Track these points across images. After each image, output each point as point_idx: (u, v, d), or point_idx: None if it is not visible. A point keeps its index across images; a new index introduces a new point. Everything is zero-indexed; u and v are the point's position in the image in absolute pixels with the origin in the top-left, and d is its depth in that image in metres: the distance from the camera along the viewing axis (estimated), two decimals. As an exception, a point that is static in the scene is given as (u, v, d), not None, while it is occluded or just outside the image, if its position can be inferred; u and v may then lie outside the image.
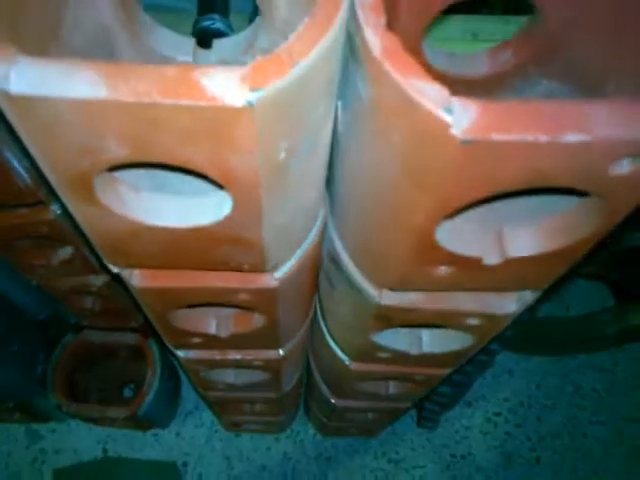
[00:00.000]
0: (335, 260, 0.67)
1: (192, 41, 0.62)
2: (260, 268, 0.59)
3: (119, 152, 0.40)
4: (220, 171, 0.42)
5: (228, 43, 0.62)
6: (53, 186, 0.46)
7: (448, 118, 0.35)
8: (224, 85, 0.35)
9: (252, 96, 0.35)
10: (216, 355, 0.91)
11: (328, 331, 0.92)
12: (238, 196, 0.45)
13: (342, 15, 0.39)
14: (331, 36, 0.38)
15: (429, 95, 0.36)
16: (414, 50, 0.55)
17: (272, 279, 0.62)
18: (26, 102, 0.36)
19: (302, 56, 0.36)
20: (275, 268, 0.62)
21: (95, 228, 0.52)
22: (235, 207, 0.47)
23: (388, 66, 0.37)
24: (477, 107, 0.35)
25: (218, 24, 0.76)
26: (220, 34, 0.76)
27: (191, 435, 1.77)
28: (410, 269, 0.54)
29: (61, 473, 1.66)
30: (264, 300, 0.67)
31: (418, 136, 0.38)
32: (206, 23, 0.76)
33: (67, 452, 1.72)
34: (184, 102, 0.35)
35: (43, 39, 0.48)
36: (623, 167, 0.38)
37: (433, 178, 0.40)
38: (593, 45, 0.53)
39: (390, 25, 0.49)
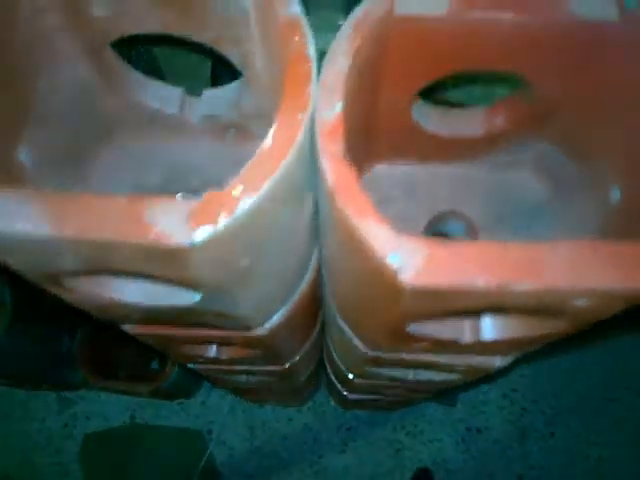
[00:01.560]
0: (328, 307, 0.68)
1: (179, 92, 0.60)
2: (247, 328, 0.60)
3: (77, 267, 0.41)
4: (179, 281, 0.42)
5: (217, 95, 0.60)
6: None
7: (395, 265, 0.34)
8: (169, 224, 0.35)
9: (198, 235, 0.35)
10: (223, 367, 0.93)
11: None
12: (205, 293, 0.46)
13: (300, 139, 0.37)
14: (287, 165, 0.37)
15: (378, 239, 0.35)
16: (402, 113, 0.53)
17: (262, 329, 0.63)
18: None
19: (253, 192, 0.36)
20: (264, 321, 0.62)
21: (76, 301, 0.53)
22: (204, 298, 0.47)
23: (340, 202, 0.36)
24: (425, 252, 0.34)
25: None
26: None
27: (216, 404, 1.83)
28: (390, 345, 0.54)
29: (91, 438, 1.74)
30: (257, 342, 0.68)
31: (371, 271, 0.37)
32: None
33: (97, 418, 1.80)
34: (130, 240, 0.35)
35: (12, 125, 0.48)
36: (577, 302, 0.37)
37: (391, 302, 0.39)
38: (578, 116, 0.50)
39: (373, 100, 0.47)
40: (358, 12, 0.40)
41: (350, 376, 0.93)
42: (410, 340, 0.50)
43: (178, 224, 0.35)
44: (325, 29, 0.52)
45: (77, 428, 1.79)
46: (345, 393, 1.27)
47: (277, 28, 0.40)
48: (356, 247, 0.36)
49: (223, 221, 0.35)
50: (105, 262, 0.39)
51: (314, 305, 0.79)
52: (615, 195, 0.49)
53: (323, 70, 0.38)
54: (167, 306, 0.50)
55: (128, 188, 0.61)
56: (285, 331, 0.70)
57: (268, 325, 0.63)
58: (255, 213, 0.36)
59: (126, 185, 0.61)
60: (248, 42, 0.48)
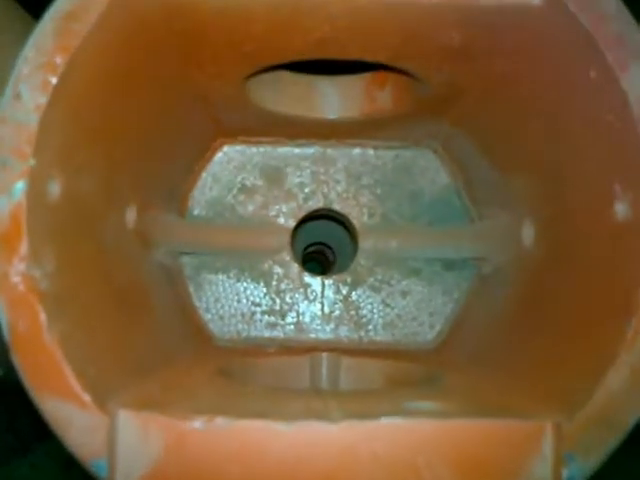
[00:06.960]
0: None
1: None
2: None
3: None
4: None
5: None
6: None
7: (102, 474, 0.21)
8: None
9: None
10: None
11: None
12: None
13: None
14: None
15: (76, 436, 0.21)
16: (235, 96, 0.37)
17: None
18: None
19: None
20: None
21: None
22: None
23: (23, 369, 0.21)
24: (143, 463, 0.21)
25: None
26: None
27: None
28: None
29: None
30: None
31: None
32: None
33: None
34: None
35: None
36: None
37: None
38: (484, 108, 0.35)
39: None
40: (61, 6, 0.23)
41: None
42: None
43: None
44: None
45: None
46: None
47: None
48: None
49: None
50: None
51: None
52: (529, 233, 0.34)
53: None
54: None
55: None
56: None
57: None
58: None
59: None
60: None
